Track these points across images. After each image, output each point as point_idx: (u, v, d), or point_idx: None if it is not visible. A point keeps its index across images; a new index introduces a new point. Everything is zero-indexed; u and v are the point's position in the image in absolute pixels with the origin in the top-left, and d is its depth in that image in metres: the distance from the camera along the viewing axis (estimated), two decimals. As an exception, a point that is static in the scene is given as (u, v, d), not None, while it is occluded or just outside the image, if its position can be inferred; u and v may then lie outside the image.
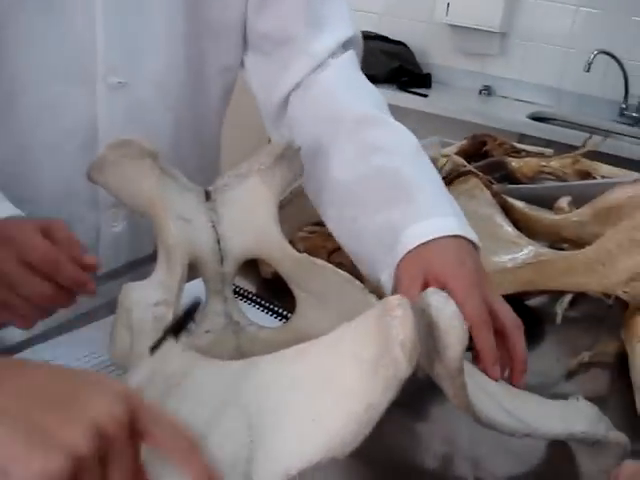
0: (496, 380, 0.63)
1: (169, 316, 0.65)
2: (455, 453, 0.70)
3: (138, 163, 0.73)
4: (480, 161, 1.40)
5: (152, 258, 0.74)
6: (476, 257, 0.72)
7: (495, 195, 0.99)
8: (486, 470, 0.69)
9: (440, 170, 1.24)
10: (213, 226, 0.77)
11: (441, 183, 0.81)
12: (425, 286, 0.65)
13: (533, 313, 1.00)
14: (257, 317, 0.80)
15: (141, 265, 0.92)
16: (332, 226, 0.85)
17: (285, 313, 0.86)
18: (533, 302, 1.01)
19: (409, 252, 0.71)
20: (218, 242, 0.76)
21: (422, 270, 0.68)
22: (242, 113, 1.55)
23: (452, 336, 0.51)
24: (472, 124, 2.27)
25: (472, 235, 0.73)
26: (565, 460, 0.71)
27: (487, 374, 0.62)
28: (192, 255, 0.73)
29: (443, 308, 0.51)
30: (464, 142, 1.52)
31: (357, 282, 0.72)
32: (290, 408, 0.51)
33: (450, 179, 1.00)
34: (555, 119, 2.57)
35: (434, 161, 1.36)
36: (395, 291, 0.71)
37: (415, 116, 2.30)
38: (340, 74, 0.91)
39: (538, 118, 2.50)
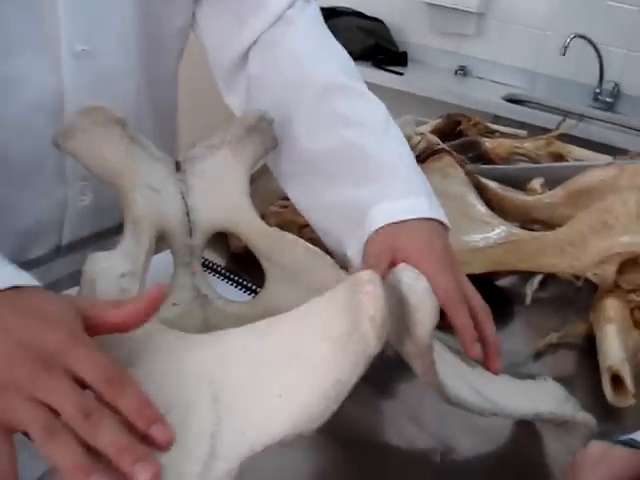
0: (476, 359, 0.63)
1: (135, 288, 0.64)
2: (423, 432, 0.70)
3: (107, 130, 0.71)
4: (454, 140, 1.40)
5: (117, 230, 0.72)
6: (446, 239, 0.71)
7: (468, 174, 0.98)
8: (454, 449, 0.69)
9: (414, 148, 1.23)
10: (182, 197, 0.75)
11: (412, 160, 0.79)
12: (393, 264, 0.64)
13: (502, 293, 1.00)
14: (226, 291, 0.79)
15: (105, 237, 0.91)
16: (295, 197, 0.83)
17: (254, 288, 0.85)
18: (502, 282, 1.01)
19: (377, 230, 0.70)
20: (187, 214, 0.75)
21: (391, 249, 0.68)
22: (195, 79, 1.52)
23: (422, 313, 0.50)
24: (447, 104, 2.27)
25: (442, 217, 0.73)
26: (532, 440, 0.71)
27: (467, 353, 0.62)
28: (160, 226, 0.72)
29: (414, 284, 0.51)
30: (438, 121, 1.52)
31: (328, 257, 0.72)
32: (256, 383, 0.50)
33: (423, 157, 0.99)
34: (529, 101, 2.57)
35: (408, 139, 1.36)
36: (362, 267, 0.70)
37: (390, 94, 2.27)
38: (307, 33, 0.87)
39: (513, 100, 2.50)
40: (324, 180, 0.79)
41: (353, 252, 0.73)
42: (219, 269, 0.89)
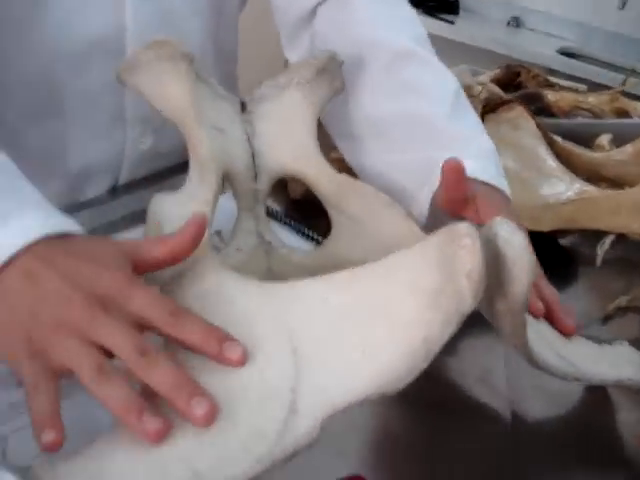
0: (572, 334, 0.62)
1: (204, 238, 0.61)
2: (492, 393, 0.67)
3: (173, 66, 0.68)
4: (514, 92, 1.35)
5: (175, 170, 0.70)
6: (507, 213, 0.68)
7: (539, 127, 0.94)
8: (524, 411, 0.66)
9: (475, 97, 1.20)
10: (248, 139, 0.72)
11: (483, 131, 0.77)
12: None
13: (566, 253, 0.96)
14: (286, 238, 0.76)
15: (163, 177, 0.88)
16: (351, 157, 0.81)
17: (315, 236, 0.82)
18: (565, 242, 0.97)
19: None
20: (253, 157, 0.72)
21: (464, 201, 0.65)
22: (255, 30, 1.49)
23: (520, 269, 0.47)
24: (499, 55, 2.20)
25: (507, 190, 0.71)
26: (604, 406, 0.68)
27: (562, 326, 0.62)
28: (225, 168, 0.69)
29: (511, 238, 0.47)
30: (497, 71, 1.46)
31: (399, 207, 0.68)
32: (338, 337, 0.48)
33: (493, 106, 0.95)
34: (584, 56, 2.49)
35: (468, 89, 1.31)
36: (433, 224, 0.68)
37: (440, 43, 2.20)
38: None
39: (566, 54, 2.42)
40: (386, 145, 0.77)
41: (419, 210, 0.71)
42: (279, 216, 0.86)
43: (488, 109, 0.95)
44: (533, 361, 0.55)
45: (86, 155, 0.82)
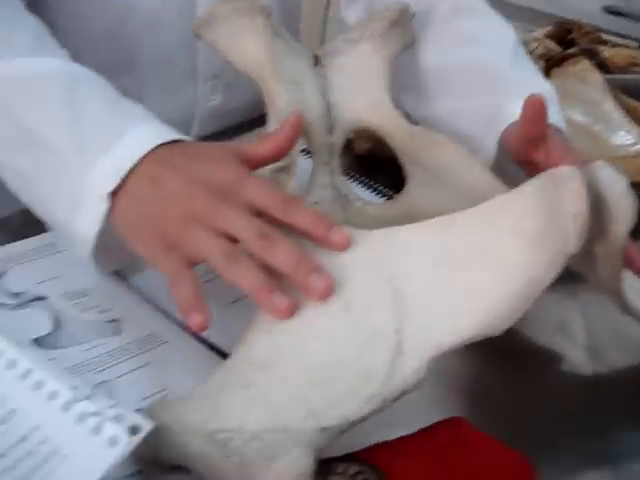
0: None
1: (290, 183, 0.61)
2: (572, 342, 0.68)
3: (250, 20, 0.68)
4: (567, 49, 1.33)
5: (246, 125, 0.70)
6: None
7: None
8: (604, 361, 0.66)
9: (531, 53, 1.18)
10: (322, 93, 0.72)
11: (544, 80, 0.77)
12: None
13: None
14: (356, 192, 0.76)
15: (234, 132, 0.88)
16: (416, 108, 0.82)
17: (384, 190, 0.83)
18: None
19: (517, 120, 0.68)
20: (328, 110, 0.72)
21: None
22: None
23: (621, 212, 0.47)
24: (544, 14, 2.16)
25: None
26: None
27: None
28: (302, 121, 0.69)
29: (614, 183, 0.47)
30: (549, 29, 1.45)
31: (477, 160, 0.68)
32: (440, 281, 0.48)
33: (557, 60, 0.94)
34: (629, 14, 2.44)
35: (524, 44, 1.29)
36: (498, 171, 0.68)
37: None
38: None
39: (611, 12, 2.37)
40: (450, 94, 0.78)
41: (485, 158, 0.71)
42: (347, 171, 0.86)
43: (552, 63, 0.94)
44: (626, 307, 0.56)
45: (159, 111, 0.83)
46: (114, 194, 0.53)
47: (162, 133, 0.56)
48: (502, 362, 0.65)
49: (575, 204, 0.45)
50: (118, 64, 0.79)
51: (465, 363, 0.62)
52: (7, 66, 0.59)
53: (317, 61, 0.74)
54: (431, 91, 0.80)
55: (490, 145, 0.72)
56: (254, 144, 0.57)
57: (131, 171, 0.53)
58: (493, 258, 0.47)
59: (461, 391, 0.61)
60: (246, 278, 0.48)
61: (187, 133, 0.87)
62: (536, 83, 0.76)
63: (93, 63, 0.77)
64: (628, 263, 0.62)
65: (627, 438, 0.58)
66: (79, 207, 0.54)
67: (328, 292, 0.48)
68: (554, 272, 0.45)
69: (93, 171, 0.54)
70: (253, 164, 0.55)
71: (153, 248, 0.52)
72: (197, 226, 0.50)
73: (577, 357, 0.66)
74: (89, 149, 0.55)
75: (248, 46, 0.68)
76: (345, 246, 0.51)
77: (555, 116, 0.71)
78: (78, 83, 0.59)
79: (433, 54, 0.79)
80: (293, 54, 0.72)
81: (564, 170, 0.46)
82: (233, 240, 0.50)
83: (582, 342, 0.68)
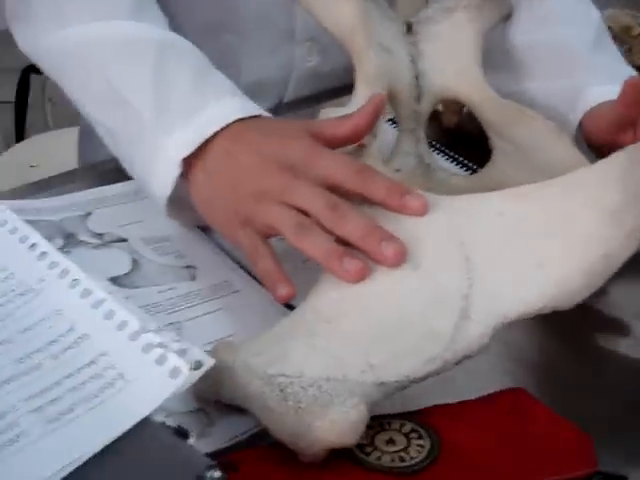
0: None
1: (372, 146, 0.61)
2: None
3: (344, -17, 0.68)
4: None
5: (340, 90, 0.70)
6: None
7: None
8: None
9: (635, 38, 1.14)
10: (412, 61, 0.72)
11: (624, 64, 0.77)
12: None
13: None
14: (441, 165, 0.76)
15: (328, 97, 0.89)
16: (497, 86, 0.76)
17: (470, 164, 0.82)
18: None
19: (598, 105, 0.69)
20: (416, 78, 0.71)
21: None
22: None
23: None
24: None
25: None
26: None
27: None
28: (390, 88, 0.69)
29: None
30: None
31: (566, 136, 0.67)
32: (513, 249, 0.48)
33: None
34: None
35: (627, 30, 1.25)
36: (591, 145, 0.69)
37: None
38: None
39: None
40: (532, 73, 0.77)
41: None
42: (432, 142, 0.85)
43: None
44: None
45: (257, 70, 0.85)
46: (191, 166, 0.55)
47: (242, 108, 0.57)
48: (573, 341, 0.64)
49: (658, 181, 0.43)
50: (222, 23, 0.82)
51: (535, 337, 0.61)
52: (106, 26, 0.62)
53: (410, 28, 0.73)
54: (512, 70, 0.79)
55: (570, 128, 0.71)
56: (332, 123, 0.57)
57: (207, 144, 0.55)
58: (569, 230, 0.46)
59: (528, 364, 0.61)
60: (316, 246, 0.49)
61: (283, 93, 0.90)
62: (617, 68, 0.75)
63: (196, 21, 0.79)
64: None
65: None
66: (153, 169, 0.57)
67: (399, 259, 0.48)
68: (631, 249, 0.45)
69: (170, 137, 0.56)
70: (328, 144, 0.55)
71: (228, 224, 0.54)
72: (270, 201, 0.51)
73: (655, 346, 0.64)
74: (170, 116, 0.57)
75: (341, 10, 0.68)
76: (422, 211, 0.51)
77: None
78: (169, 51, 0.61)
79: (518, 32, 0.78)
80: (386, 20, 0.72)
81: (651, 145, 0.45)
82: (305, 214, 0.51)
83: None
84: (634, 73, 0.74)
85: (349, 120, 0.56)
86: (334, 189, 0.51)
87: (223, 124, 0.55)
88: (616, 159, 0.47)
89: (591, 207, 0.46)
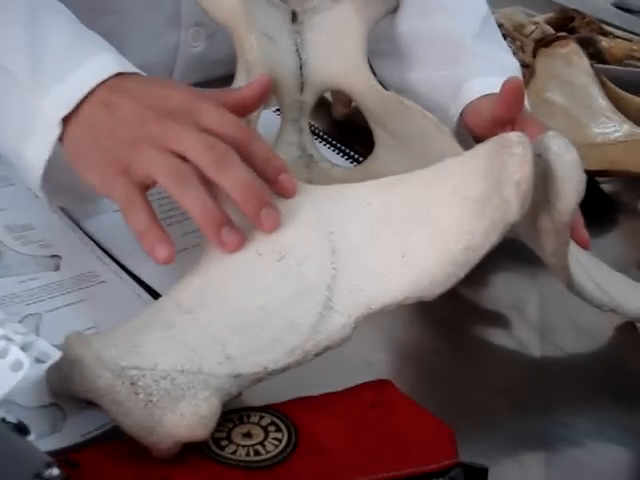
0: (586, 247, 0.62)
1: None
2: (524, 322, 0.67)
3: (228, -31, 0.67)
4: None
5: (227, 80, 0.69)
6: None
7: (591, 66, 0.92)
8: (553, 343, 0.65)
9: (527, 36, 1.17)
10: (297, 50, 0.71)
11: (509, 52, 0.78)
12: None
13: (607, 198, 0.94)
14: (327, 156, 0.75)
15: (215, 85, 0.87)
16: (382, 74, 0.80)
17: (357, 156, 0.82)
18: (606, 187, 0.95)
19: (473, 101, 0.70)
20: (300, 68, 0.71)
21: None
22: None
23: (569, 185, 0.46)
24: (551, 3, 2.14)
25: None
26: (635, 343, 0.67)
27: (579, 238, 0.61)
28: (272, 77, 0.67)
29: (563, 154, 0.46)
30: (550, 15, 1.43)
31: (445, 128, 0.67)
32: (378, 240, 0.47)
33: (546, 42, 0.93)
34: (638, 11, 2.41)
35: (521, 27, 1.28)
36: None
37: (493, -13, 2.16)
38: None
39: (621, 8, 2.35)
40: (415, 62, 0.77)
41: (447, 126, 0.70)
42: (321, 134, 0.85)
43: (542, 44, 0.92)
44: (571, 285, 0.55)
45: (141, 55, 0.81)
46: (67, 121, 0.53)
47: (120, 63, 0.55)
48: (449, 334, 0.64)
49: (518, 170, 0.44)
50: (104, 3, 0.79)
51: (406, 328, 0.62)
52: None
53: (295, 17, 0.72)
54: (399, 59, 0.79)
55: (450, 119, 0.71)
56: (220, 93, 0.56)
57: (85, 100, 0.53)
58: (433, 221, 0.46)
59: (399, 358, 0.61)
60: (195, 203, 0.48)
61: (169, 78, 0.87)
62: (501, 59, 0.76)
63: (77, 5, 0.76)
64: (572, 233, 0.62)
65: (565, 420, 0.58)
66: (30, 133, 0.54)
67: (274, 230, 0.48)
68: (493, 239, 0.45)
69: (47, 97, 0.53)
70: None
71: (104, 174, 0.51)
72: (148, 147, 0.49)
73: (527, 337, 0.66)
74: (45, 75, 0.54)
75: (224, -5, 0.67)
76: (291, 192, 0.51)
77: None
78: (41, 9, 0.58)
79: (403, 20, 0.78)
80: (270, 7, 0.70)
81: (511, 136, 0.45)
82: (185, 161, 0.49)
83: (535, 323, 0.67)
84: (517, 65, 0.75)
85: (237, 92, 0.56)
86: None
87: (102, 78, 0.53)
88: (480, 150, 0.47)
89: (454, 198, 0.46)
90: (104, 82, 0.53)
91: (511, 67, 0.74)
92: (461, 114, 0.71)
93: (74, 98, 0.52)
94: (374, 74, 0.71)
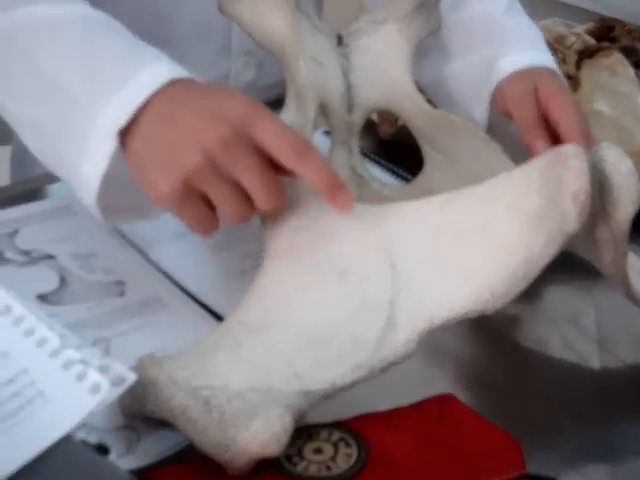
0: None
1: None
2: (582, 334, 0.67)
3: (274, -4, 0.68)
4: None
5: (277, 104, 0.71)
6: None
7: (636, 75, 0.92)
8: (612, 353, 0.65)
9: (569, 48, 1.17)
10: (344, 73, 0.72)
11: (537, 29, 0.80)
12: (539, 104, 0.67)
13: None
14: (377, 176, 0.76)
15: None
16: (418, 73, 0.81)
17: (405, 175, 0.82)
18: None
19: (510, 76, 0.71)
20: (348, 90, 0.72)
21: (533, 88, 0.68)
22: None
23: (626, 195, 0.46)
24: (590, 13, 2.13)
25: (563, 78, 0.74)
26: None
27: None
28: (322, 100, 0.69)
29: (619, 164, 0.46)
30: (590, 25, 1.43)
31: (496, 144, 0.67)
32: (438, 255, 0.48)
33: (590, 53, 0.93)
34: (679, 17, 2.39)
35: (562, 39, 1.27)
36: (497, 116, 0.71)
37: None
38: None
39: (661, 14, 2.33)
40: (450, 52, 0.79)
41: (480, 112, 0.73)
42: (369, 154, 0.86)
43: (585, 55, 0.93)
44: (630, 292, 0.55)
45: None
46: (127, 134, 0.52)
47: (173, 70, 0.55)
48: (508, 348, 0.64)
49: (575, 182, 0.44)
50: (155, 35, 0.79)
51: (464, 342, 0.62)
52: (26, 12, 0.59)
53: (341, 41, 0.74)
54: (434, 52, 0.80)
55: (485, 101, 0.73)
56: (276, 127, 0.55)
57: (142, 109, 0.52)
58: (491, 235, 0.47)
59: (457, 370, 0.61)
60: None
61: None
62: (530, 30, 0.78)
63: (131, 32, 0.78)
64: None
65: (629, 431, 0.58)
66: (87, 148, 0.53)
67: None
68: (552, 251, 0.45)
69: (102, 110, 0.53)
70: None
71: (168, 191, 0.51)
72: (208, 168, 0.50)
73: (586, 349, 0.65)
74: (101, 88, 0.54)
75: (271, 22, 0.68)
76: (347, 208, 0.51)
77: (550, 58, 0.75)
78: (94, 25, 0.59)
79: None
80: (316, 32, 0.72)
81: (567, 148, 0.45)
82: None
83: (593, 335, 0.67)
84: (542, 38, 0.78)
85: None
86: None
87: (156, 87, 0.52)
88: (533, 165, 0.48)
89: (511, 212, 0.47)
90: (160, 91, 0.53)
91: (542, 39, 0.78)
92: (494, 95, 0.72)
93: (130, 109, 0.52)
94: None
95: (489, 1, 0.79)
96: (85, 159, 0.53)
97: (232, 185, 0.50)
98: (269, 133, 0.50)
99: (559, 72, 0.74)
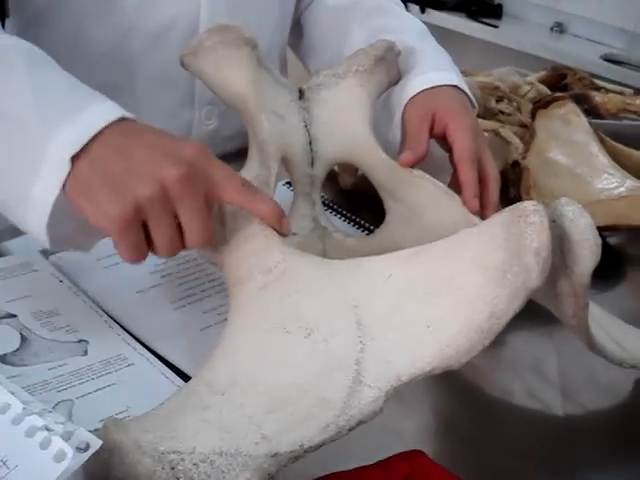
0: (474, 213, 0.66)
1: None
2: (544, 382, 0.67)
3: (235, 51, 0.69)
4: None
5: (239, 154, 0.71)
6: (474, 113, 0.77)
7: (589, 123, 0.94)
8: (575, 401, 0.66)
9: (523, 97, 1.20)
10: (305, 126, 0.73)
11: (444, 53, 0.84)
12: (432, 128, 0.72)
13: (614, 252, 0.95)
14: (338, 226, 0.77)
15: (227, 160, 0.89)
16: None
17: (367, 224, 0.83)
18: (613, 241, 0.97)
19: (413, 98, 0.75)
20: (310, 143, 0.72)
21: (430, 111, 0.73)
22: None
23: (586, 250, 0.47)
24: (542, 60, 2.18)
25: (469, 91, 0.78)
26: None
27: (466, 205, 0.67)
28: (283, 153, 0.69)
29: (578, 219, 0.47)
30: (543, 73, 1.46)
31: (457, 196, 0.69)
32: (402, 312, 0.48)
33: (544, 103, 0.95)
34: (628, 63, 2.46)
35: (516, 87, 1.30)
36: (404, 136, 0.74)
37: (483, 46, 2.22)
38: None
39: (610, 60, 2.40)
40: None
41: (392, 136, 0.76)
42: (331, 204, 0.86)
43: (539, 105, 0.95)
44: (592, 345, 0.55)
45: None
46: (75, 161, 0.52)
47: (124, 111, 0.56)
48: (474, 398, 0.65)
49: (537, 239, 0.45)
50: (119, 83, 0.81)
51: (429, 397, 0.62)
52: None
53: (302, 94, 0.74)
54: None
55: (396, 126, 0.76)
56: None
57: (95, 140, 0.53)
58: (455, 291, 0.47)
59: (425, 426, 0.61)
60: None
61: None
62: (439, 53, 0.83)
63: (94, 80, 0.78)
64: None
65: (592, 478, 0.58)
66: (37, 174, 0.53)
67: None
68: (516, 306, 0.46)
69: (56, 137, 0.53)
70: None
71: (116, 215, 0.51)
72: (161, 200, 0.51)
73: (550, 397, 0.66)
74: (53, 117, 0.54)
75: (233, 76, 0.69)
76: (286, 233, 0.57)
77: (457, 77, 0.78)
78: (38, 58, 0.59)
79: (347, 47, 0.85)
80: (277, 86, 0.73)
81: (527, 205, 0.46)
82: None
83: (555, 382, 0.68)
84: (449, 59, 0.82)
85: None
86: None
87: (110, 119, 0.53)
88: (496, 219, 0.49)
89: (475, 268, 0.47)
90: (115, 123, 0.54)
91: (449, 62, 0.81)
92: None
93: (84, 137, 0.52)
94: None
95: (402, 34, 0.83)
96: (36, 185, 0.53)
97: (172, 219, 0.52)
98: (220, 174, 0.54)
99: (464, 87, 0.77)
